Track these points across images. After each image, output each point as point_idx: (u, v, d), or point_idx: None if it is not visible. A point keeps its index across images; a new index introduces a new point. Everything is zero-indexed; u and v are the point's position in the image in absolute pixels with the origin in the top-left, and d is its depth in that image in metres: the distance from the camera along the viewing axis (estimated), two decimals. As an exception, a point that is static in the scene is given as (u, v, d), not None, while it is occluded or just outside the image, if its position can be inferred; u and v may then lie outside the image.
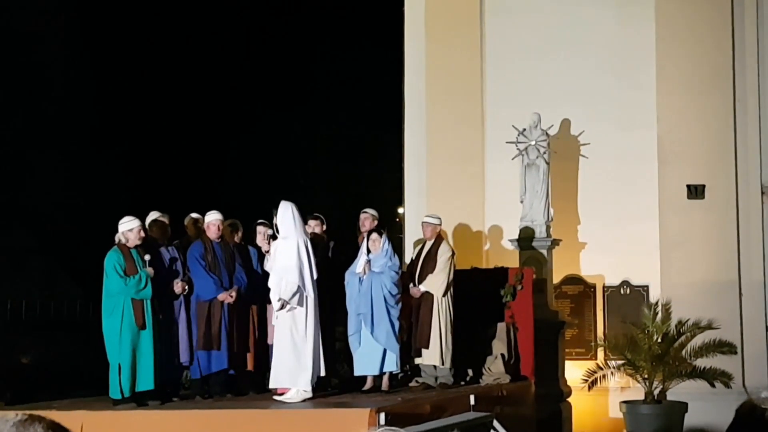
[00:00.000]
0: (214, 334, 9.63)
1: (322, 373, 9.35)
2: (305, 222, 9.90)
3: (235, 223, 10.33)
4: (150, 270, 9.11)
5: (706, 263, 13.70)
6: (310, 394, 9.12)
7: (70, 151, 26.34)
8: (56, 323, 23.65)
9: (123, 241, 9.19)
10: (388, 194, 18.47)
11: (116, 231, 9.27)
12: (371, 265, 10.03)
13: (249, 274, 10.06)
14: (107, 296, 9.11)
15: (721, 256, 13.77)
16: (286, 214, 9.37)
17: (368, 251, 10.12)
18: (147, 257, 9.17)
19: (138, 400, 8.95)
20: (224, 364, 9.71)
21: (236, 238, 10.25)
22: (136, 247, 9.19)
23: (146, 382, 8.98)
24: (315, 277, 9.30)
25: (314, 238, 10.13)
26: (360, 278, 10.04)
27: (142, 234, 9.26)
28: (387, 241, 10.25)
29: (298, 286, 9.13)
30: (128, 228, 9.20)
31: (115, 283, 9.00)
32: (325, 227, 10.82)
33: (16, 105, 25.58)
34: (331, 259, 10.51)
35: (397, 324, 10.03)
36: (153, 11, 27.69)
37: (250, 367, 10.02)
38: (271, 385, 9.37)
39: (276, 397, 9.19)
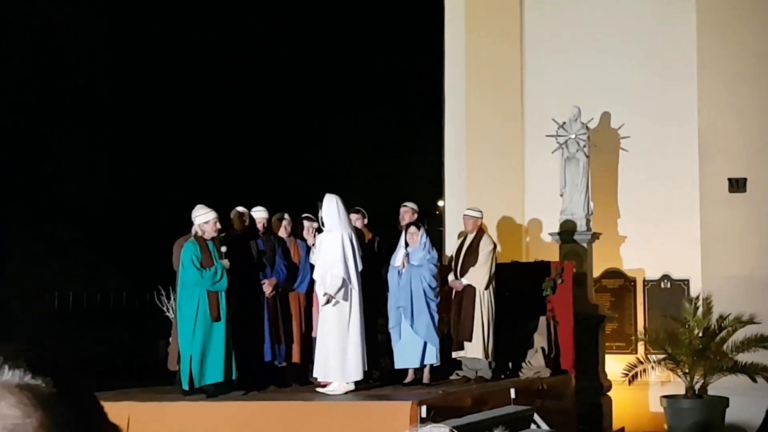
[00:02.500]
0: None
1: (366, 367, 9.42)
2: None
3: (282, 216, 10.48)
4: (226, 262, 9.18)
5: (748, 257, 13.62)
6: (352, 387, 9.22)
7: (113, 144, 26.67)
8: (102, 314, 23.99)
9: (199, 233, 9.30)
10: (428, 187, 18.54)
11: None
12: (410, 259, 10.11)
13: (290, 266, 10.19)
14: (183, 287, 9.19)
15: (762, 250, 13.67)
16: (331, 207, 9.43)
17: (406, 244, 10.20)
18: (223, 249, 9.26)
19: (208, 391, 9.03)
20: (267, 356, 9.86)
21: (285, 231, 10.40)
22: (212, 239, 9.29)
23: (215, 374, 9.05)
24: (359, 269, 9.38)
25: (355, 232, 10.22)
26: (399, 271, 10.12)
27: (218, 226, 9.35)
28: (425, 234, 10.31)
29: (343, 280, 9.21)
30: (204, 220, 9.27)
31: (192, 274, 9.07)
32: (366, 221, 10.92)
33: (58, 100, 25.94)
34: (376, 253, 10.58)
35: (437, 317, 10.09)
36: (192, 5, 27.92)
37: (296, 359, 10.13)
38: (315, 377, 9.48)
39: (319, 390, 9.31)
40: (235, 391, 9.21)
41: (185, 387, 9.03)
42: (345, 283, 9.22)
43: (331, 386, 9.25)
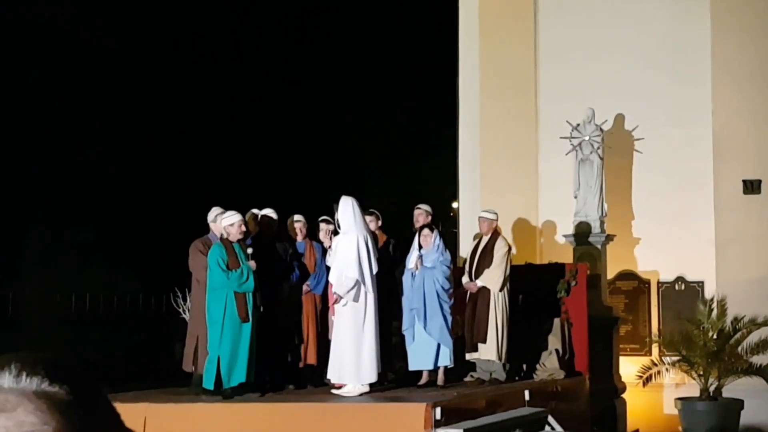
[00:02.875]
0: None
1: (380, 369, 9.45)
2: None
3: (300, 219, 10.55)
4: (252, 263, 9.28)
5: (763, 259, 13.58)
6: (367, 389, 9.27)
7: (130, 149, 26.82)
8: (119, 317, 24.14)
9: (224, 235, 9.40)
10: (442, 189, 18.58)
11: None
12: (423, 261, 10.16)
13: (302, 269, 10.24)
14: (211, 290, 9.28)
15: (777, 252, 13.65)
16: (347, 209, 9.48)
17: (420, 247, 10.25)
18: (249, 251, 9.37)
19: (230, 393, 9.10)
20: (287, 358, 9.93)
21: (300, 234, 10.46)
22: (239, 241, 9.38)
23: (241, 375, 9.12)
24: (374, 272, 9.42)
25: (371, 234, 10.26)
26: (412, 274, 10.16)
27: (243, 228, 9.45)
28: (438, 237, 10.35)
29: (356, 281, 9.26)
30: (229, 223, 9.39)
31: (218, 277, 9.18)
32: (380, 223, 10.97)
33: (77, 105, 26.14)
34: (390, 255, 10.63)
35: (450, 318, 10.12)
36: (209, 10, 28.05)
37: (311, 360, 10.18)
38: (330, 379, 9.53)
39: (334, 391, 9.36)
40: (250, 393, 9.27)
41: (210, 387, 9.09)
42: (357, 285, 9.27)
43: (346, 388, 9.30)
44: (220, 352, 9.10)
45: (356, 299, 9.30)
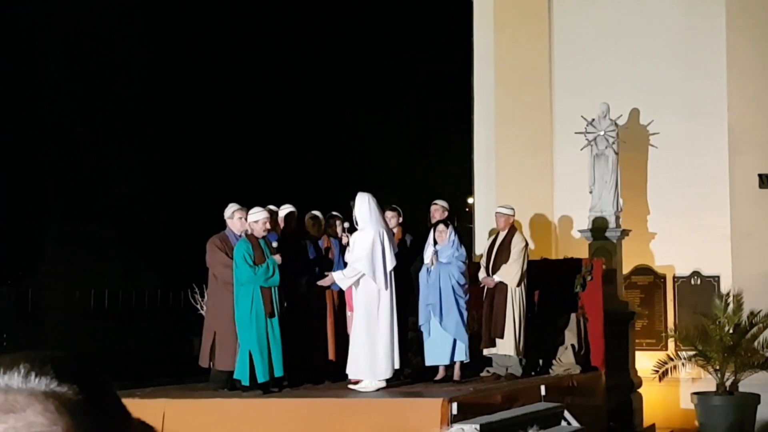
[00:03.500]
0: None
1: (397, 365, 9.48)
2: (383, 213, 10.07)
3: (315, 216, 10.60)
4: (278, 257, 9.34)
5: (779, 253, 13.56)
6: (383, 384, 9.32)
7: (148, 145, 26.97)
8: (137, 312, 24.28)
9: (249, 231, 9.48)
10: (458, 185, 18.61)
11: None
12: (438, 256, 10.19)
13: (322, 265, 10.30)
14: (238, 285, 9.35)
15: (794, 247, 13.61)
16: (363, 205, 9.50)
17: (435, 242, 10.29)
18: (274, 244, 9.45)
19: (265, 387, 9.17)
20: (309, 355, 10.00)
21: (317, 230, 10.52)
22: (263, 237, 9.45)
23: (277, 369, 9.20)
24: (390, 268, 9.46)
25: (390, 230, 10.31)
26: (428, 269, 10.20)
27: (268, 225, 9.52)
28: (453, 232, 10.38)
29: (361, 274, 9.31)
30: (254, 219, 9.46)
31: (245, 272, 9.25)
32: (401, 219, 11.00)
33: (96, 101, 26.30)
34: (408, 250, 10.66)
35: (465, 314, 10.15)
36: (227, 8, 28.16)
37: (331, 356, 10.23)
38: (348, 374, 9.59)
39: (351, 386, 9.42)
40: (271, 388, 9.36)
41: (246, 382, 9.18)
42: (360, 276, 9.33)
43: (362, 383, 9.35)
44: (250, 347, 9.17)
45: (355, 286, 9.37)
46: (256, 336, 9.15)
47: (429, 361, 10.21)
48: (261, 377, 9.13)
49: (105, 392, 1.09)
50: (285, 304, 9.46)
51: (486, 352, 10.66)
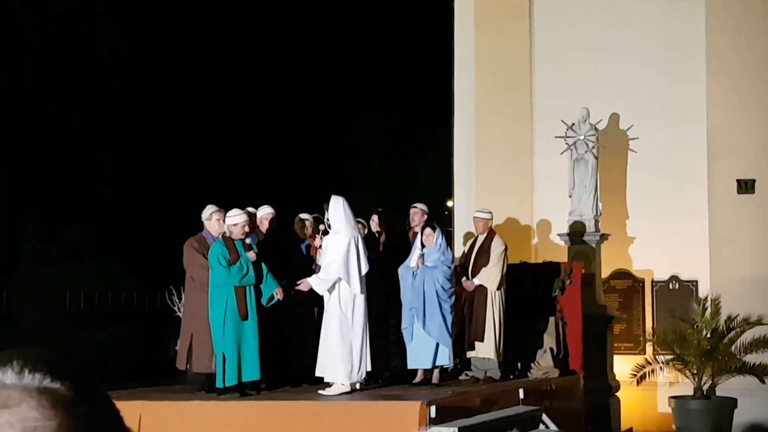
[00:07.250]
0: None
1: (369, 368, 9.41)
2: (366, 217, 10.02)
3: (300, 219, 10.54)
4: (251, 254, 9.26)
5: (756, 258, 13.62)
6: (348, 389, 9.22)
7: (126, 146, 26.83)
8: (114, 314, 24.13)
9: (227, 233, 9.42)
10: (437, 188, 18.59)
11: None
12: (425, 260, 10.16)
13: (295, 268, 10.24)
14: (213, 287, 9.28)
15: (771, 252, 13.68)
16: (337, 208, 9.43)
17: (422, 246, 10.25)
18: (248, 241, 9.35)
19: (241, 390, 9.11)
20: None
21: (306, 233, 10.46)
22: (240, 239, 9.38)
23: (251, 372, 9.12)
24: (364, 272, 9.40)
25: (367, 235, 10.27)
26: (413, 273, 10.16)
27: (247, 229, 9.46)
28: (441, 236, 10.36)
29: (337, 278, 9.26)
30: (233, 222, 9.40)
31: (220, 274, 9.19)
32: (386, 223, 10.96)
33: (74, 102, 26.13)
34: (383, 252, 10.62)
35: (449, 318, 10.11)
36: (207, 8, 28.06)
37: (308, 359, 10.12)
38: (317, 374, 9.48)
39: (320, 391, 9.31)
40: (249, 391, 9.28)
41: (219, 385, 9.12)
42: (337, 281, 9.28)
43: (331, 388, 9.26)
44: (224, 349, 9.10)
45: (330, 291, 9.30)
46: (230, 338, 9.09)
47: (411, 365, 10.18)
48: (230, 380, 9.06)
49: (96, 389, 1.12)
50: (267, 305, 9.37)
51: (469, 354, 10.65)
